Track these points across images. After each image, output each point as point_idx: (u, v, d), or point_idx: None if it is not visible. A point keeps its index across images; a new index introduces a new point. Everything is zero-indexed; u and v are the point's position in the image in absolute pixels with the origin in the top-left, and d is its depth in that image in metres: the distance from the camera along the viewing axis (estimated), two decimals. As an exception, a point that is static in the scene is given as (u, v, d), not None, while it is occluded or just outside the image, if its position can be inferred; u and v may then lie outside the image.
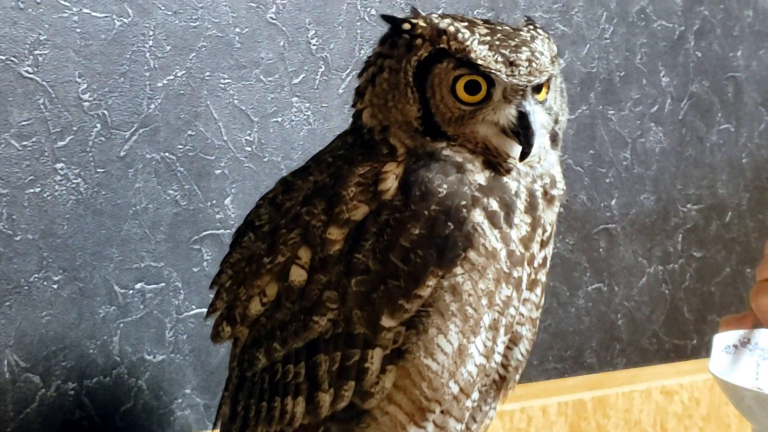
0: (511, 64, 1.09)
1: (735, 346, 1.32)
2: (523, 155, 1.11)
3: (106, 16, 1.44)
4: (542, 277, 1.17)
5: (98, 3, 1.43)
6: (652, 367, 2.09)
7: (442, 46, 1.10)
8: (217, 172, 1.55)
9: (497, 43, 1.10)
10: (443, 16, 1.13)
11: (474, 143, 1.11)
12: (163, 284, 1.51)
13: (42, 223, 1.40)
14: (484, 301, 1.10)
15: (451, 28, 1.10)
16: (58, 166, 1.41)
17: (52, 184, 1.41)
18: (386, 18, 1.16)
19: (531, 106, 1.11)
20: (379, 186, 1.09)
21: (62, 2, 1.40)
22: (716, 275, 2.23)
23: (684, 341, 2.17)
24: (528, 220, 1.12)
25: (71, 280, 1.43)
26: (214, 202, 1.55)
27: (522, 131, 1.10)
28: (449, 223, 1.06)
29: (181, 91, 1.51)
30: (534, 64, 1.10)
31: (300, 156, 1.61)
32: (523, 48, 1.10)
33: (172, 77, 1.50)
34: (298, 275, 1.11)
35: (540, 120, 1.12)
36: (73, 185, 1.43)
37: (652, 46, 2.08)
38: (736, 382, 1.22)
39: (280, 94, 1.60)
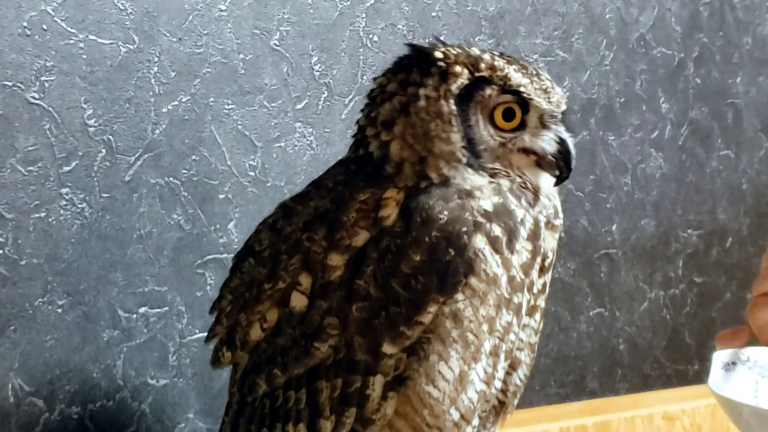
0: (545, 91, 1.13)
1: (734, 363, 1.33)
2: (560, 180, 1.15)
3: (112, 43, 1.45)
4: (541, 303, 1.17)
5: (104, 30, 1.44)
6: (654, 392, 2.09)
7: (482, 74, 1.11)
8: (221, 196, 1.56)
9: (526, 71, 1.13)
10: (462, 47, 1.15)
11: (512, 181, 1.13)
12: (166, 308, 1.52)
13: (47, 247, 1.41)
14: (485, 327, 1.10)
15: (487, 56, 1.12)
16: (64, 191, 1.42)
17: (58, 209, 1.42)
18: (414, 47, 1.16)
19: (565, 133, 1.14)
20: (380, 212, 1.09)
21: (68, 29, 1.41)
22: (717, 300, 2.23)
23: (685, 366, 2.17)
24: (529, 247, 1.12)
25: (75, 305, 1.44)
26: (218, 226, 1.55)
27: (563, 156, 1.13)
28: (450, 249, 1.06)
29: (186, 117, 1.52)
30: (562, 92, 1.15)
31: (303, 181, 1.61)
32: (545, 77, 1.14)
33: (176, 103, 1.51)
34: (298, 301, 1.11)
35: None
36: (78, 210, 1.43)
37: (652, 73, 2.09)
38: (735, 398, 1.23)
39: (283, 119, 1.61)
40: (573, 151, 1.14)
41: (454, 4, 1.80)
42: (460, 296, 1.08)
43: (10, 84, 1.37)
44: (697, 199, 2.18)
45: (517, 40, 1.88)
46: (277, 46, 1.60)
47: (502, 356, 1.13)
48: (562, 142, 1.14)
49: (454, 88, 1.11)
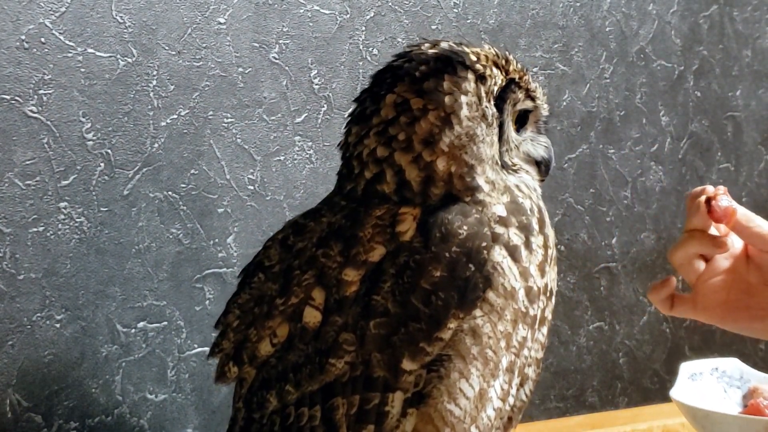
0: (543, 95, 1.19)
1: (701, 374, 1.35)
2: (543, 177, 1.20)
3: (110, 56, 1.45)
4: (549, 314, 1.17)
5: (102, 43, 1.44)
6: (654, 406, 2.08)
7: (512, 76, 1.13)
8: (220, 210, 1.55)
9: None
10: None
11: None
12: (165, 323, 1.51)
13: (45, 262, 1.41)
14: (503, 344, 1.08)
15: (511, 57, 1.14)
16: (62, 205, 1.42)
17: (56, 223, 1.41)
18: (441, 55, 1.12)
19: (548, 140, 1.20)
20: (396, 227, 1.07)
21: (67, 42, 1.41)
22: (717, 314, 2.23)
23: (685, 380, 2.17)
24: (541, 241, 1.13)
25: (74, 319, 1.43)
26: (217, 240, 1.55)
27: (546, 162, 1.19)
28: (470, 265, 1.06)
29: (185, 131, 1.52)
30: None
31: (302, 195, 1.61)
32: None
33: (175, 116, 1.51)
34: (312, 317, 1.09)
35: None
36: (77, 224, 1.43)
37: (652, 86, 2.09)
38: (690, 403, 1.24)
39: (282, 133, 1.61)
40: (552, 158, 1.20)
41: (453, 17, 1.80)
42: (478, 312, 1.07)
43: (8, 98, 1.37)
44: (697, 212, 2.17)
45: (517, 53, 1.88)
46: (276, 59, 1.60)
47: (516, 372, 1.12)
48: (548, 149, 1.20)
49: (496, 89, 1.12)
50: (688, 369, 1.37)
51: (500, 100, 1.12)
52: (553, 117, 1.93)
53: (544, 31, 1.92)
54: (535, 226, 1.12)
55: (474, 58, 1.11)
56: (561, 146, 1.93)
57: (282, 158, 1.61)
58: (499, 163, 1.12)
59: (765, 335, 1.25)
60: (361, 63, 1.69)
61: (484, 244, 1.07)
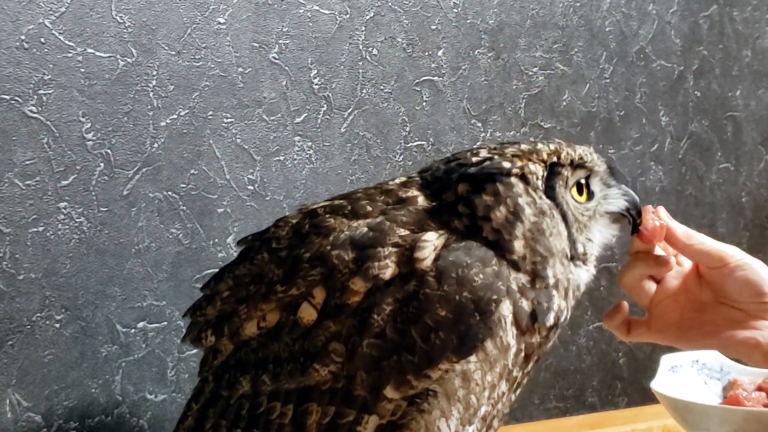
0: (593, 155, 1.18)
1: (681, 366, 1.35)
2: (636, 227, 1.20)
3: (110, 56, 1.45)
4: (524, 381, 1.17)
5: (102, 43, 1.44)
6: (654, 405, 2.08)
7: (551, 160, 1.13)
8: (220, 210, 1.55)
9: (567, 145, 1.16)
10: (484, 148, 1.15)
11: (595, 255, 1.17)
12: (165, 323, 1.51)
13: (45, 262, 1.41)
14: (487, 393, 1.09)
15: (540, 146, 1.14)
16: (62, 205, 1.42)
17: (55, 223, 1.41)
18: (482, 174, 1.13)
19: (622, 184, 1.20)
20: (415, 252, 1.07)
21: (66, 42, 1.41)
22: (717, 314, 2.22)
23: (685, 380, 2.17)
24: (545, 333, 1.13)
25: (73, 319, 1.43)
26: (217, 240, 1.55)
27: (632, 206, 1.19)
28: (476, 314, 1.05)
29: (184, 131, 1.52)
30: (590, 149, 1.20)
31: (302, 195, 1.61)
32: (573, 144, 1.18)
33: (175, 116, 1.51)
34: (308, 313, 1.09)
35: None
36: (76, 224, 1.43)
37: (652, 86, 2.09)
38: (670, 394, 1.24)
39: (282, 133, 1.61)
40: (637, 197, 1.19)
41: (453, 17, 1.80)
42: (473, 358, 1.07)
43: (7, 98, 1.37)
44: (697, 212, 2.17)
45: (517, 53, 1.88)
46: (276, 59, 1.60)
47: (487, 421, 1.13)
48: (627, 194, 1.19)
49: (540, 183, 1.12)
50: (668, 361, 1.38)
51: (550, 189, 1.13)
52: (553, 117, 1.93)
53: (544, 31, 1.92)
54: (548, 320, 1.12)
55: (508, 165, 1.11)
56: (561, 146, 1.93)
57: (282, 158, 1.61)
58: (569, 254, 1.13)
59: (719, 350, 1.25)
60: (360, 63, 1.69)
61: (495, 296, 1.06)
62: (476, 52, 1.83)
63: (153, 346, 1.50)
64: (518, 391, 1.17)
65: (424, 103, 1.77)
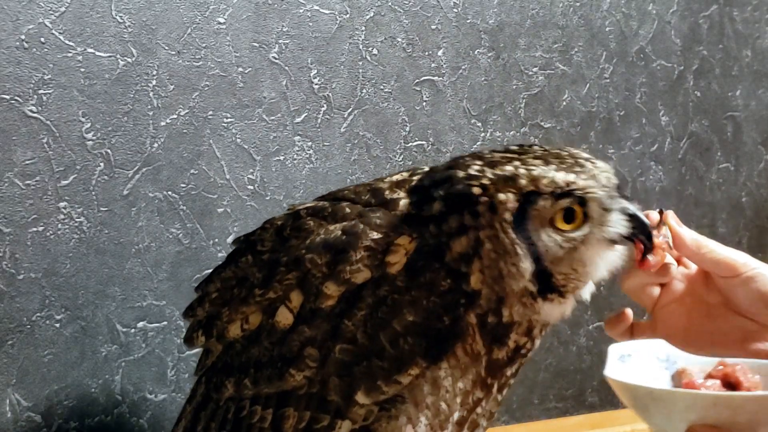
0: (594, 177, 1.06)
1: (629, 355, 1.33)
2: (647, 251, 1.10)
3: (110, 56, 1.45)
4: (512, 381, 1.16)
5: (102, 43, 1.44)
6: (654, 406, 2.08)
7: (529, 189, 1.04)
8: (220, 210, 1.55)
9: (565, 163, 1.06)
10: (479, 159, 1.08)
11: (578, 285, 1.08)
12: (165, 323, 1.51)
13: (45, 261, 1.40)
14: (459, 399, 1.09)
15: (522, 170, 1.05)
16: (62, 205, 1.41)
17: (55, 223, 1.41)
18: (447, 194, 1.07)
19: (629, 205, 1.08)
20: (387, 256, 1.06)
21: (66, 42, 1.41)
22: (717, 314, 2.22)
23: (685, 380, 2.17)
24: (523, 341, 1.10)
25: (73, 319, 1.43)
26: (217, 240, 1.55)
27: (639, 229, 1.08)
28: (445, 318, 1.05)
29: (184, 130, 1.52)
30: (605, 165, 1.09)
31: (302, 194, 1.61)
32: (582, 158, 1.08)
33: (175, 116, 1.51)
34: (284, 317, 1.09)
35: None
36: (76, 224, 1.43)
37: (652, 86, 2.09)
38: (630, 381, 1.22)
39: (282, 132, 1.61)
40: (645, 218, 1.09)
41: (453, 17, 1.80)
42: (444, 364, 1.07)
43: (7, 97, 1.37)
44: (697, 212, 2.17)
45: (517, 53, 1.88)
46: (276, 59, 1.60)
47: (466, 426, 1.13)
48: (632, 218, 1.08)
49: (507, 216, 1.04)
50: (617, 350, 1.36)
51: (521, 220, 1.04)
52: (553, 117, 1.93)
53: (544, 31, 1.92)
54: (512, 341, 1.09)
55: (478, 191, 1.05)
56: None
57: (282, 158, 1.61)
58: (533, 292, 1.06)
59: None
60: (360, 63, 1.69)
61: (463, 301, 1.05)
62: (476, 52, 1.83)
63: (153, 346, 1.50)
64: (505, 391, 1.15)
65: (424, 103, 1.77)
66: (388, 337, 1.04)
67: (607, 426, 1.94)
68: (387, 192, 1.13)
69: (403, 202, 1.10)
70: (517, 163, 1.06)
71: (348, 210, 1.12)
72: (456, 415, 1.10)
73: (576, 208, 1.05)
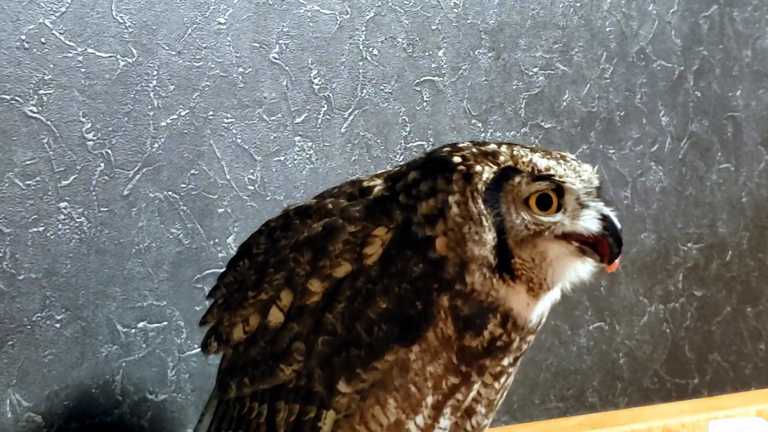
0: (575, 170, 1.11)
1: None
2: (613, 256, 1.11)
3: (111, 56, 1.45)
4: (511, 369, 1.16)
5: (102, 43, 1.44)
6: (654, 406, 2.08)
7: (508, 164, 1.09)
8: (220, 210, 1.55)
9: (551, 155, 1.11)
10: (475, 145, 1.12)
11: (534, 278, 1.10)
12: (165, 323, 1.51)
13: (45, 262, 1.40)
14: (430, 383, 1.11)
15: (504, 149, 1.10)
16: (62, 205, 1.41)
17: (56, 224, 1.41)
18: (429, 158, 1.14)
19: (605, 208, 1.11)
20: (365, 248, 1.10)
21: (67, 42, 1.41)
22: (717, 314, 2.22)
23: (685, 380, 2.17)
24: (498, 332, 1.11)
25: (74, 319, 1.43)
26: (217, 240, 1.55)
27: (610, 231, 1.10)
28: (417, 303, 1.07)
29: (185, 131, 1.52)
30: (591, 168, 1.13)
31: (302, 195, 1.61)
32: (571, 157, 1.13)
33: (175, 116, 1.51)
34: (276, 317, 1.13)
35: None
36: (77, 224, 1.43)
37: (652, 86, 2.09)
38: None
39: (282, 133, 1.61)
40: (619, 224, 1.11)
41: (453, 17, 1.80)
42: (415, 347, 1.09)
43: (8, 98, 1.37)
44: (697, 212, 2.17)
45: (517, 53, 1.88)
46: (276, 59, 1.60)
47: (448, 410, 1.13)
48: (605, 218, 1.11)
49: (480, 186, 1.08)
50: (715, 429, 1.36)
51: (493, 192, 1.09)
52: (553, 117, 1.93)
53: (544, 31, 1.92)
54: (488, 332, 1.10)
55: (458, 160, 1.09)
56: (561, 146, 1.93)
57: (282, 158, 1.61)
58: (492, 264, 1.08)
59: None
60: (361, 63, 1.69)
61: (435, 286, 1.07)
62: (476, 52, 1.83)
63: (153, 346, 1.50)
64: (503, 379, 1.16)
65: (425, 103, 1.77)
66: (363, 326, 1.08)
67: (608, 426, 1.94)
68: (365, 182, 1.17)
69: (378, 188, 1.14)
70: (504, 147, 1.11)
71: (330, 206, 1.15)
72: (430, 399, 1.11)
73: (552, 195, 1.09)
